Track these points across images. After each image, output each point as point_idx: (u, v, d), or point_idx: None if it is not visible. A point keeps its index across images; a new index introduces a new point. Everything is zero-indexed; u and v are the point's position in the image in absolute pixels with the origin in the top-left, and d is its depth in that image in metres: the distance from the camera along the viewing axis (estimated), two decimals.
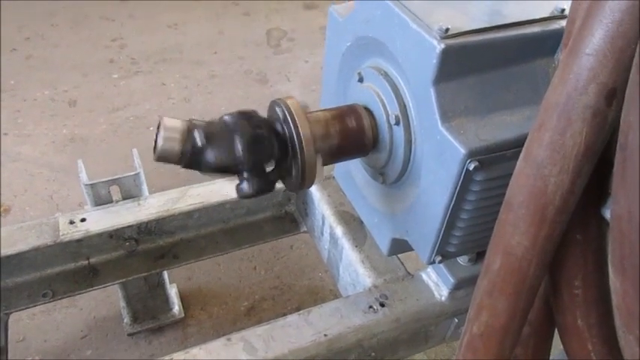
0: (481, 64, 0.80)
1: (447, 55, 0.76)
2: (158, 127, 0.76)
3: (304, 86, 2.72)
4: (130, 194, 1.28)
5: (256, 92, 2.66)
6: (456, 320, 1.09)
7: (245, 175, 0.80)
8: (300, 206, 1.40)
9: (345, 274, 1.22)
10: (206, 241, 1.34)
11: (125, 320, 1.61)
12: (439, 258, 0.91)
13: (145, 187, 1.30)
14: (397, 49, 0.85)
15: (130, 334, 1.61)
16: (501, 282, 0.63)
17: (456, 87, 0.79)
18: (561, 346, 0.74)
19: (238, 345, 0.95)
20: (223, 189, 1.29)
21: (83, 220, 1.22)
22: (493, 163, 0.77)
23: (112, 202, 1.27)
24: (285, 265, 1.87)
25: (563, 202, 0.54)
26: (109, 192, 1.26)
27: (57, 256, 1.20)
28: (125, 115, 2.47)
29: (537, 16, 0.83)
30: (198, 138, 0.76)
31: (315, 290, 1.80)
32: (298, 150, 0.82)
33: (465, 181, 0.78)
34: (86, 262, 1.24)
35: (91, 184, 1.22)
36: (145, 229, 1.25)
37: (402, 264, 1.13)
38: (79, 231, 1.19)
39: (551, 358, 0.83)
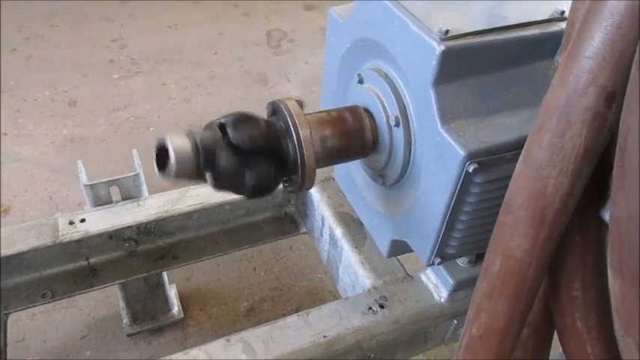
0: (481, 66, 0.80)
1: (446, 57, 0.76)
2: (160, 146, 0.75)
3: (304, 87, 2.72)
4: (130, 195, 1.28)
5: (256, 93, 2.66)
6: (455, 322, 1.09)
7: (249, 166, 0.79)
8: (299, 207, 1.40)
9: (344, 276, 1.22)
10: (205, 242, 1.34)
11: (124, 321, 1.61)
12: (438, 260, 0.91)
13: (144, 188, 1.30)
14: (397, 50, 0.85)
15: (129, 335, 1.61)
16: (501, 284, 0.63)
17: (455, 89, 0.79)
18: (560, 348, 0.74)
19: (237, 346, 0.95)
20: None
21: (83, 220, 1.22)
22: (492, 164, 0.77)
23: (111, 202, 1.27)
24: (284, 266, 1.87)
25: (563, 203, 0.54)
26: (108, 192, 1.26)
27: (56, 257, 1.20)
28: (125, 115, 2.47)
29: (537, 18, 0.83)
30: (209, 177, 0.78)
31: (314, 291, 1.80)
32: (298, 151, 0.82)
33: (465, 182, 0.78)
34: (86, 262, 1.24)
35: (90, 185, 1.23)
36: (145, 230, 1.25)
37: (402, 265, 1.13)
38: (78, 231, 1.19)
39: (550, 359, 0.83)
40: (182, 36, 3.05)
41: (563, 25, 0.80)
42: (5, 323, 1.25)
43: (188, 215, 1.27)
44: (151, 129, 2.40)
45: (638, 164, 0.42)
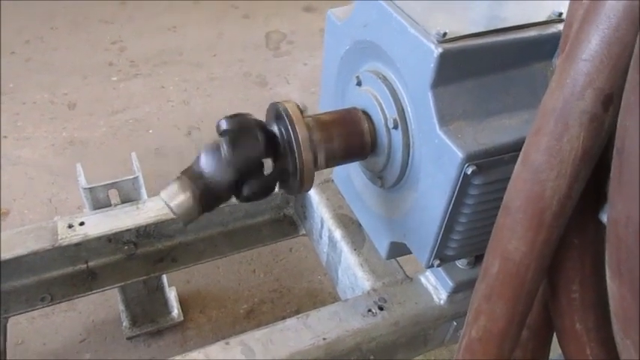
0: (479, 68, 0.80)
1: (444, 60, 0.76)
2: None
3: (303, 89, 2.72)
4: (129, 198, 1.28)
5: (255, 95, 2.66)
6: (455, 323, 1.09)
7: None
8: (298, 209, 1.40)
9: (343, 278, 1.22)
10: (205, 245, 1.33)
11: (124, 324, 1.61)
12: (437, 262, 0.91)
13: (143, 191, 1.30)
14: (395, 53, 0.85)
15: (129, 338, 1.61)
16: (499, 286, 0.63)
17: (454, 91, 0.80)
18: (560, 350, 0.74)
19: (237, 349, 0.95)
20: None
21: (82, 223, 1.22)
22: (491, 166, 0.77)
23: (110, 205, 1.27)
24: (284, 268, 1.87)
25: (561, 206, 0.54)
26: (107, 196, 1.26)
27: (55, 260, 1.20)
28: (124, 117, 2.47)
29: (535, 20, 0.83)
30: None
31: (314, 293, 1.80)
32: (296, 153, 0.82)
33: (463, 185, 0.78)
34: (85, 265, 1.24)
35: (89, 188, 1.23)
36: (144, 233, 1.25)
37: (401, 267, 1.13)
38: (77, 235, 1.19)
39: None
40: (181, 38, 3.05)
41: (561, 26, 0.81)
42: (5, 327, 1.25)
43: None
44: (151, 131, 2.40)
45: (635, 167, 0.42)
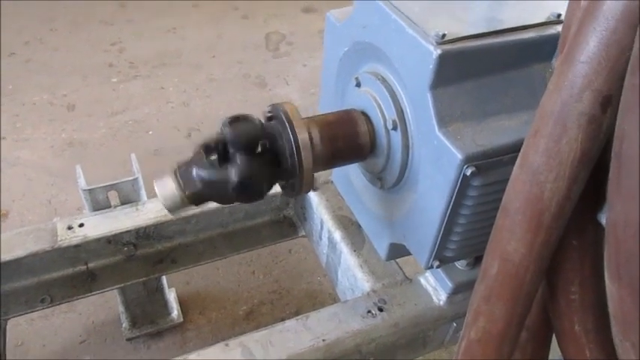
0: (478, 70, 0.80)
1: (443, 61, 0.76)
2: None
3: (303, 90, 2.72)
4: (129, 199, 1.28)
5: (255, 96, 2.66)
6: (455, 325, 1.09)
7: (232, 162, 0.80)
8: (298, 210, 1.40)
9: (343, 279, 1.22)
10: (204, 246, 1.33)
11: (124, 325, 1.61)
12: (437, 263, 0.91)
13: (143, 192, 1.30)
14: (394, 54, 0.86)
15: (128, 339, 1.61)
16: (498, 288, 0.63)
17: (453, 92, 0.80)
18: (559, 351, 0.74)
19: (236, 350, 0.95)
20: None
21: (81, 225, 1.22)
22: (490, 168, 0.77)
23: (110, 207, 1.27)
24: (283, 270, 1.87)
25: (560, 208, 0.55)
26: (107, 197, 1.26)
27: (55, 262, 1.20)
28: (124, 119, 2.47)
29: (533, 22, 0.83)
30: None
31: (313, 294, 1.80)
32: (296, 155, 0.82)
33: (462, 186, 0.78)
34: (84, 267, 1.24)
35: (89, 190, 1.22)
36: (144, 234, 1.25)
37: (401, 268, 1.13)
38: (77, 236, 1.19)
39: None
40: (181, 39, 3.05)
41: (559, 28, 0.80)
42: (4, 328, 1.25)
43: (187, 219, 1.27)
44: (150, 132, 2.40)
45: (633, 169, 0.42)
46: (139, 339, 1.62)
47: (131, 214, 1.25)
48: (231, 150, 0.79)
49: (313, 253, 1.45)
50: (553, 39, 0.81)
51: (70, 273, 1.23)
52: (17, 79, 2.67)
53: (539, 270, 0.60)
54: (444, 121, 0.79)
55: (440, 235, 0.86)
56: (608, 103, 0.47)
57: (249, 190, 0.81)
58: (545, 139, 0.52)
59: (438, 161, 0.80)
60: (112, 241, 1.22)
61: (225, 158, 0.79)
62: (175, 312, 1.67)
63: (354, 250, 1.17)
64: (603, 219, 0.59)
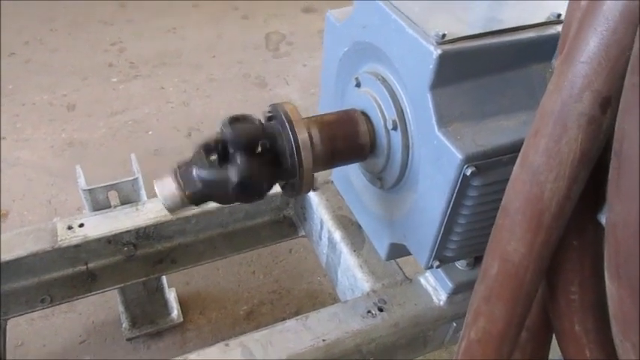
0: (478, 70, 0.80)
1: (443, 61, 0.76)
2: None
3: (303, 90, 2.72)
4: (128, 199, 1.28)
5: (255, 96, 2.66)
6: (455, 324, 1.09)
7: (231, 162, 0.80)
8: (298, 210, 1.40)
9: (343, 279, 1.22)
10: (204, 246, 1.33)
11: (124, 325, 1.61)
12: (437, 263, 0.91)
13: (143, 192, 1.30)
14: (394, 54, 0.85)
15: (128, 339, 1.61)
16: (498, 288, 0.63)
17: (452, 92, 0.80)
18: (559, 351, 0.74)
19: (236, 350, 0.95)
20: None
21: (81, 225, 1.22)
22: (490, 168, 0.77)
23: (110, 207, 1.27)
24: (283, 270, 1.87)
25: (560, 208, 0.54)
26: (107, 197, 1.26)
27: (55, 262, 1.20)
28: (124, 119, 2.47)
29: (533, 22, 0.83)
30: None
31: (313, 294, 1.80)
32: (296, 155, 0.82)
33: (462, 186, 0.78)
34: (84, 267, 1.24)
35: (89, 190, 1.22)
36: (144, 234, 1.25)
37: (401, 268, 1.13)
38: (77, 236, 1.19)
39: None
40: (181, 39, 3.05)
41: (559, 28, 0.80)
42: (4, 328, 1.25)
43: (187, 219, 1.27)
44: (150, 132, 2.40)
45: (633, 170, 0.42)
46: (139, 339, 1.62)
47: (131, 214, 1.25)
48: (231, 150, 0.79)
49: (313, 253, 1.45)
50: (553, 39, 0.81)
51: (70, 273, 1.23)
52: (17, 79, 2.67)
53: (539, 270, 0.60)
54: (443, 121, 0.79)
55: (440, 235, 0.86)
56: (607, 103, 0.48)
57: (249, 190, 0.81)
58: (545, 139, 0.52)
59: (437, 161, 0.80)
60: (112, 241, 1.22)
61: (225, 158, 0.79)
62: (175, 312, 1.67)
63: (354, 250, 1.17)
64: (603, 219, 0.59)
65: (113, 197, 1.27)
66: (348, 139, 0.92)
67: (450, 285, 1.03)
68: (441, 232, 0.85)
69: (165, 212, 1.25)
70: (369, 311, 1.03)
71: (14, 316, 1.23)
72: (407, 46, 0.81)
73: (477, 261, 1.04)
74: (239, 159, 0.79)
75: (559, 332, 0.70)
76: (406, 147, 0.88)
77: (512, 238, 0.58)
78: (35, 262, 1.18)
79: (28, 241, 1.17)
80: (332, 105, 1.08)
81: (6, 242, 1.16)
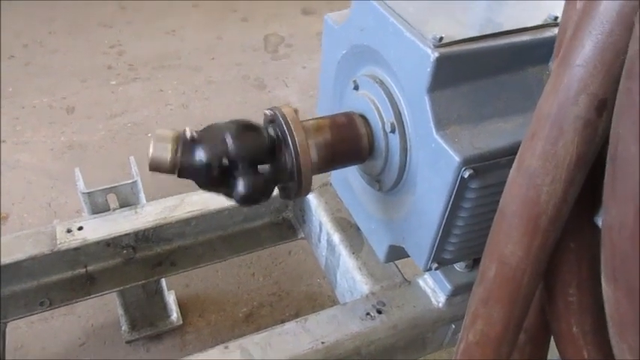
0: (475, 72, 0.81)
1: (441, 64, 0.76)
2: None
3: (302, 92, 2.72)
4: (128, 202, 1.28)
5: (254, 98, 2.66)
6: (454, 326, 1.10)
7: (239, 174, 0.80)
8: (297, 213, 1.40)
9: (342, 281, 1.22)
10: (204, 249, 1.34)
11: (123, 328, 1.61)
12: (435, 265, 0.91)
13: (142, 195, 1.30)
14: (392, 57, 0.86)
15: (128, 342, 1.61)
16: (496, 290, 0.63)
17: (450, 95, 0.80)
18: (557, 353, 0.74)
19: (236, 353, 0.95)
20: (221, 196, 1.29)
21: (80, 228, 1.22)
22: (488, 170, 0.77)
23: (109, 210, 1.27)
24: (283, 272, 1.87)
25: (556, 211, 0.55)
26: (106, 200, 1.26)
27: (54, 265, 1.20)
28: (123, 121, 2.47)
29: (531, 24, 0.83)
30: (189, 134, 0.77)
31: (313, 296, 1.80)
32: (294, 158, 0.82)
33: (460, 188, 0.78)
34: (84, 270, 1.24)
35: (88, 193, 1.23)
36: (143, 237, 1.25)
37: (399, 270, 1.13)
38: (76, 239, 1.19)
39: None
40: (180, 41, 3.06)
41: (556, 30, 0.80)
42: (4, 331, 1.25)
43: (186, 222, 1.27)
44: (149, 135, 2.40)
45: (628, 173, 0.42)
46: (139, 342, 1.62)
47: (130, 217, 1.25)
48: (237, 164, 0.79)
49: (313, 255, 1.45)
50: (550, 41, 0.81)
51: (69, 276, 1.23)
52: (17, 81, 2.67)
53: (537, 273, 0.60)
54: (441, 123, 0.79)
55: (438, 237, 0.86)
56: (603, 106, 0.48)
57: (251, 201, 0.82)
58: (541, 142, 0.52)
59: (435, 164, 0.80)
60: (111, 244, 1.23)
61: (230, 174, 0.79)
62: (175, 314, 1.67)
63: (353, 253, 1.17)
64: (600, 222, 0.59)
65: (112, 200, 1.27)
66: (346, 142, 0.92)
67: (448, 287, 1.03)
68: (440, 234, 0.86)
69: (165, 215, 1.26)
70: (368, 313, 1.03)
71: (14, 319, 1.23)
72: (404, 49, 0.81)
73: (475, 263, 1.04)
74: (244, 174, 0.79)
75: (557, 334, 0.71)
76: (404, 149, 0.88)
77: (510, 241, 0.58)
78: (34, 265, 1.18)
79: (27, 244, 1.17)
80: (330, 108, 1.08)
81: (5, 246, 1.16)
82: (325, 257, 1.30)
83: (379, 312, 1.04)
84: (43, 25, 3.11)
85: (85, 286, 1.25)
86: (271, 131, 0.85)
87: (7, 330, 1.27)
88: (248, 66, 2.88)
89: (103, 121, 2.47)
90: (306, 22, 3.31)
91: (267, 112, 0.87)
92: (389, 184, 0.95)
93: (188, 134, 0.77)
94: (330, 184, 1.27)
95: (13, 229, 1.92)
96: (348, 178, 1.11)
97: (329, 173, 1.23)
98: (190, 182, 0.87)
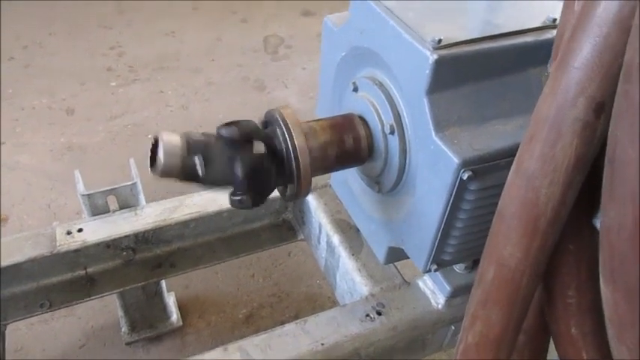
0: (474, 74, 0.81)
1: (439, 66, 0.76)
2: (155, 143, 0.76)
3: (302, 93, 2.72)
4: (127, 204, 1.28)
5: (254, 99, 2.66)
6: (453, 328, 1.10)
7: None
8: (297, 214, 1.40)
9: (342, 283, 1.22)
10: (203, 250, 1.34)
11: (123, 329, 1.61)
12: (435, 266, 0.91)
13: (141, 197, 1.30)
14: (391, 59, 0.86)
15: (127, 343, 1.61)
16: (495, 292, 0.63)
17: (449, 97, 0.80)
18: (556, 355, 0.74)
19: (235, 355, 0.95)
20: (220, 198, 1.29)
21: (80, 230, 1.22)
22: (487, 172, 0.77)
23: (109, 211, 1.28)
24: (283, 273, 1.87)
25: (555, 213, 0.55)
26: (106, 202, 1.26)
27: (54, 267, 1.20)
28: (123, 123, 2.47)
29: (529, 26, 0.83)
30: (199, 165, 0.77)
31: (313, 297, 1.80)
32: (293, 160, 0.82)
33: (459, 190, 0.78)
34: (83, 272, 1.24)
35: (88, 195, 1.23)
36: (142, 239, 1.25)
37: (399, 272, 1.13)
38: (76, 241, 1.20)
39: None
40: (180, 43, 3.06)
41: (555, 32, 0.81)
42: (4, 333, 1.25)
43: (185, 224, 1.27)
44: (149, 136, 2.40)
45: (626, 175, 0.42)
46: (139, 343, 1.62)
47: (130, 219, 1.25)
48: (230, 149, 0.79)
49: (312, 257, 1.45)
50: (549, 43, 0.81)
51: (69, 278, 1.23)
52: (16, 83, 2.67)
53: (536, 274, 0.60)
54: (440, 125, 0.79)
55: (437, 239, 0.86)
56: (601, 109, 0.48)
57: (256, 187, 0.82)
58: (540, 144, 0.52)
59: (435, 165, 0.80)
60: (111, 245, 1.23)
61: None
62: (175, 316, 1.67)
63: (353, 254, 1.17)
64: (598, 223, 0.59)
65: (112, 202, 1.27)
66: (345, 144, 0.92)
67: (448, 288, 1.03)
68: (439, 235, 0.86)
69: (164, 217, 1.26)
70: (367, 315, 1.03)
71: (14, 321, 1.23)
72: (403, 51, 0.81)
73: (475, 264, 1.04)
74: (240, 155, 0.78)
75: (556, 335, 0.71)
76: (403, 151, 0.88)
77: (508, 243, 0.59)
78: (34, 267, 1.18)
79: (27, 246, 1.18)
80: (330, 109, 1.08)
81: (5, 247, 1.17)
82: (325, 259, 1.30)
83: (379, 313, 1.04)
84: (42, 27, 3.11)
85: (84, 287, 1.25)
86: (271, 133, 0.85)
87: (7, 331, 1.27)
88: (248, 67, 2.88)
89: (102, 122, 2.47)
90: (305, 23, 3.31)
91: (267, 113, 0.88)
92: (388, 186, 0.95)
93: (198, 168, 0.77)
94: (330, 185, 1.27)
95: (13, 231, 1.92)
96: (347, 180, 1.11)
97: (328, 175, 1.23)
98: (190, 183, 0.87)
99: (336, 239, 1.21)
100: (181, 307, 1.71)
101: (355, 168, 1.02)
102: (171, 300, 1.68)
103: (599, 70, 0.47)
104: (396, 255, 1.03)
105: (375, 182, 0.98)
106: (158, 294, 1.54)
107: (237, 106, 2.60)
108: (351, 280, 1.15)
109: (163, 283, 1.56)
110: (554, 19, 0.83)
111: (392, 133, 0.88)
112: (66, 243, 1.19)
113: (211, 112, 2.55)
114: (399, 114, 0.87)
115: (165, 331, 1.64)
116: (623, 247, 0.44)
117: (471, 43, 0.79)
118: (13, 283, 1.18)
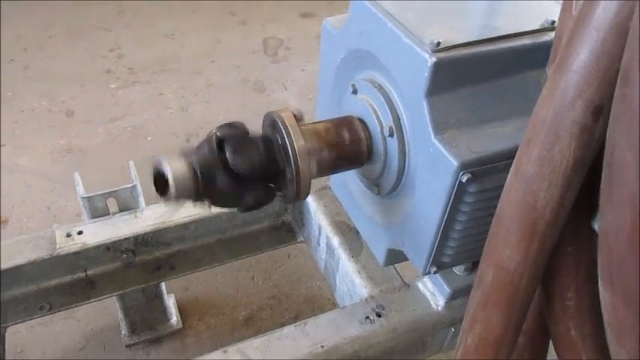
0: (473, 77, 0.81)
1: (438, 69, 0.77)
2: (157, 171, 0.77)
3: (301, 95, 2.73)
4: (127, 206, 1.28)
5: (253, 101, 2.67)
6: (453, 330, 1.10)
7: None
8: (296, 216, 1.40)
9: (341, 285, 1.22)
10: (203, 252, 1.34)
11: (123, 331, 1.61)
12: (434, 268, 0.92)
13: (141, 199, 1.30)
14: (390, 62, 0.86)
15: (127, 346, 1.61)
16: (494, 294, 0.63)
17: (448, 99, 0.80)
18: (556, 356, 0.74)
19: (235, 357, 0.95)
20: None
21: (80, 232, 1.22)
22: (486, 174, 0.77)
23: (108, 214, 1.28)
24: (282, 275, 1.87)
25: (554, 216, 0.55)
26: (105, 204, 1.26)
27: (54, 269, 1.20)
28: (123, 125, 2.47)
29: (528, 29, 0.83)
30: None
31: (312, 299, 1.80)
32: (292, 162, 0.83)
33: (458, 192, 0.78)
34: (83, 274, 1.24)
35: (87, 197, 1.23)
36: (142, 241, 1.25)
37: (399, 274, 1.14)
38: (75, 244, 1.20)
39: None
40: (179, 45, 3.06)
41: (553, 34, 0.81)
42: (4, 336, 1.25)
43: (185, 226, 1.27)
44: (149, 138, 2.41)
45: (624, 178, 0.42)
46: (139, 345, 1.62)
47: (130, 221, 1.25)
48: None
49: (312, 259, 1.45)
50: (547, 46, 0.81)
51: (68, 280, 1.23)
52: (16, 85, 2.68)
53: (535, 277, 0.61)
54: (439, 128, 0.79)
55: (437, 241, 0.87)
56: (599, 112, 0.48)
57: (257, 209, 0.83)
58: (538, 147, 0.53)
59: (434, 168, 0.80)
60: (111, 248, 1.23)
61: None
62: (174, 318, 1.67)
63: (352, 256, 1.17)
64: (597, 226, 0.59)
65: (112, 204, 1.28)
66: (345, 147, 0.92)
67: (447, 290, 1.03)
68: (438, 237, 0.86)
69: (164, 219, 1.26)
70: (367, 317, 1.03)
71: (14, 324, 1.23)
72: (402, 54, 0.82)
73: (474, 266, 1.05)
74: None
75: (555, 337, 0.71)
76: (403, 154, 0.88)
77: (507, 246, 0.59)
78: (34, 269, 1.18)
79: (27, 249, 1.18)
80: (329, 111, 1.08)
81: (5, 250, 1.17)
82: (324, 260, 1.30)
83: (378, 315, 1.04)
84: (42, 30, 3.11)
85: (84, 290, 1.25)
86: (271, 136, 0.85)
87: (7, 334, 1.27)
88: (247, 69, 2.88)
89: (102, 124, 2.47)
90: (304, 25, 3.31)
91: (266, 116, 0.88)
92: (387, 188, 0.95)
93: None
94: (329, 187, 1.27)
95: (13, 233, 1.92)
96: (347, 182, 1.11)
97: (328, 177, 1.24)
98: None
99: (335, 241, 1.21)
100: (181, 309, 1.71)
101: (354, 170, 1.02)
102: (171, 302, 1.68)
103: (596, 74, 0.47)
104: (395, 257, 1.03)
105: (374, 184, 0.99)
106: (158, 296, 1.55)
107: (237, 108, 2.60)
108: (351, 281, 1.15)
109: (163, 285, 1.56)
110: (553, 22, 0.84)
111: (391, 135, 0.88)
112: (66, 245, 1.19)
113: (211, 114, 2.55)
114: (398, 116, 0.87)
115: (165, 334, 1.64)
116: (622, 250, 0.45)
117: (469, 45, 0.79)
118: (13, 285, 1.18)
